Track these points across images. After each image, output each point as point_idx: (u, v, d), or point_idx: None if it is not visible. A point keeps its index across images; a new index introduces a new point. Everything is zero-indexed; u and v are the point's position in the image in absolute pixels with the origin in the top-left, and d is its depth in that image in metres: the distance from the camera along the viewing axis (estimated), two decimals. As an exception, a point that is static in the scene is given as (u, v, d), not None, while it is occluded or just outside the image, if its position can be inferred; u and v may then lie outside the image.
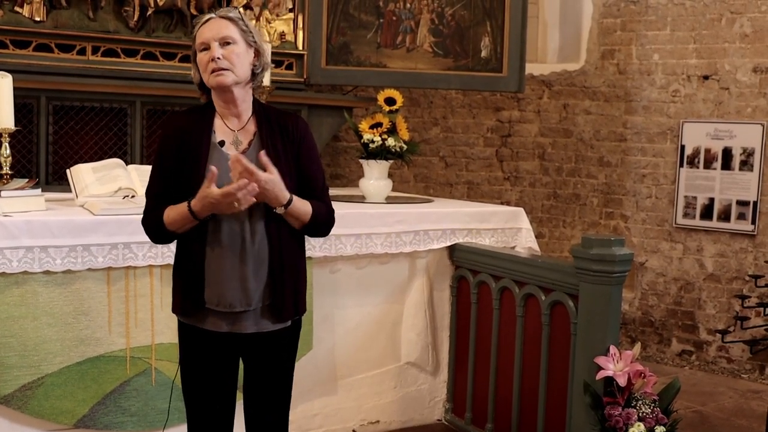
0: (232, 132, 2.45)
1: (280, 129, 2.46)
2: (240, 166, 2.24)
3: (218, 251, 2.39)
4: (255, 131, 2.46)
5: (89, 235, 3.14)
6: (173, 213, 2.38)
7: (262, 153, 2.30)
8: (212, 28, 2.39)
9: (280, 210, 2.37)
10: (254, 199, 2.28)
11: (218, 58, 2.35)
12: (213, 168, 2.26)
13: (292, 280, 2.47)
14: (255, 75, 2.46)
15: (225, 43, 2.37)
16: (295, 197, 2.38)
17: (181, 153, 2.40)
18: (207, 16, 2.44)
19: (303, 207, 2.42)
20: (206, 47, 2.38)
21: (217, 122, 2.46)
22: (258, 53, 2.45)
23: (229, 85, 2.38)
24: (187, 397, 2.56)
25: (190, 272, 2.42)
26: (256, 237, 2.39)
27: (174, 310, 2.51)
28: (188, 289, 2.43)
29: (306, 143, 2.50)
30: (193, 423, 2.57)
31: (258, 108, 2.51)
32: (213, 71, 2.36)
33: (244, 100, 2.46)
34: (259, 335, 2.47)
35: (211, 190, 2.26)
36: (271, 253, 2.41)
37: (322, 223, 2.52)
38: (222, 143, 2.42)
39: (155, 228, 2.44)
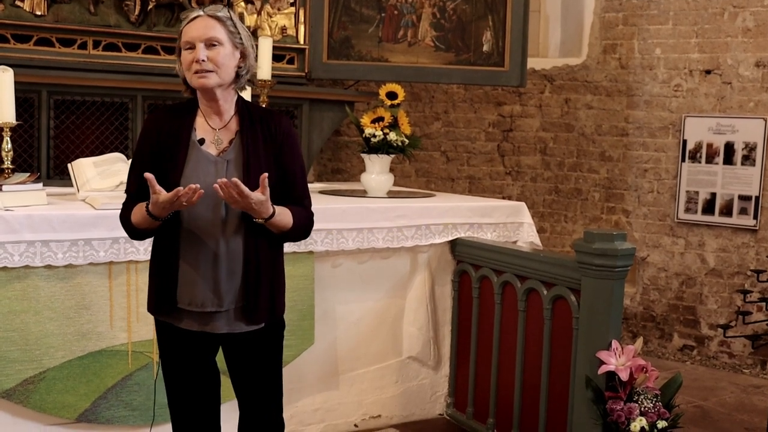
0: (213, 130, 2.42)
1: (262, 128, 2.42)
2: (232, 189, 2.20)
3: (192, 251, 2.37)
4: (236, 130, 2.43)
5: (91, 230, 3.14)
6: (137, 215, 2.37)
7: (264, 176, 2.26)
8: (199, 27, 2.34)
9: (259, 221, 2.34)
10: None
11: (203, 60, 2.31)
12: (147, 175, 2.23)
13: (268, 282, 2.43)
14: (239, 77, 2.42)
15: (211, 44, 2.33)
16: (277, 209, 2.35)
17: (160, 150, 2.38)
18: (195, 14, 2.38)
19: (284, 219, 2.39)
20: (191, 46, 2.35)
21: (199, 120, 2.43)
22: (244, 55, 2.41)
23: (212, 87, 2.36)
24: (170, 394, 2.56)
25: (164, 271, 2.40)
26: (232, 238, 2.37)
27: (149, 309, 2.49)
28: (161, 288, 2.41)
29: (288, 142, 2.45)
30: (177, 421, 2.57)
31: (242, 106, 2.47)
32: (196, 72, 2.33)
33: (227, 100, 2.43)
34: (234, 336, 2.45)
35: (157, 196, 2.23)
36: (247, 254, 2.38)
37: (301, 233, 2.49)
38: (201, 141, 2.39)
39: (127, 226, 2.44)
